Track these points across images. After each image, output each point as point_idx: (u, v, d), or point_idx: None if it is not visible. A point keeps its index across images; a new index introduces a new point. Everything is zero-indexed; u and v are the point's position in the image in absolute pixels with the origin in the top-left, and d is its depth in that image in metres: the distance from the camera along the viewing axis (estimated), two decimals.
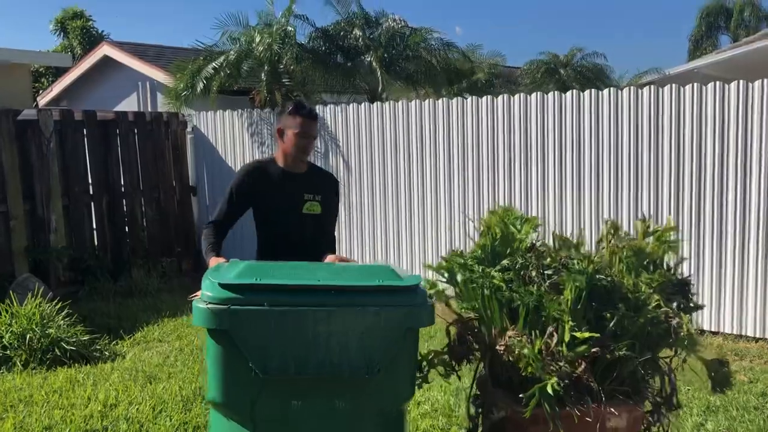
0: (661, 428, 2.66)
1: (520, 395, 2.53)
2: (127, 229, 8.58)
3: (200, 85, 8.50)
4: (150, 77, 10.92)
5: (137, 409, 4.34)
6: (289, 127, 3.25)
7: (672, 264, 2.77)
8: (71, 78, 12.33)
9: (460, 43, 9.73)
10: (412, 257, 7.47)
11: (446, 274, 2.88)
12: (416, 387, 2.95)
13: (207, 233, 3.34)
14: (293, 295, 2.35)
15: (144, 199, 8.75)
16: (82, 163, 8.16)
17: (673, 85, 5.87)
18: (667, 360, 2.64)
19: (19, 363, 5.28)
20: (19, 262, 7.53)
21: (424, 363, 2.93)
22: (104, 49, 11.97)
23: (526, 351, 2.27)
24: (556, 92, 6.47)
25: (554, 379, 2.29)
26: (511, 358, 2.38)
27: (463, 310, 2.71)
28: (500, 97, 6.77)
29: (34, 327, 5.45)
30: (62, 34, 24.42)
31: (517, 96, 6.65)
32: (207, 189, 9.14)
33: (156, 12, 64.00)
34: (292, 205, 3.32)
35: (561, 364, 2.33)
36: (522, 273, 2.61)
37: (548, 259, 2.65)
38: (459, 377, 2.97)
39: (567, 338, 2.33)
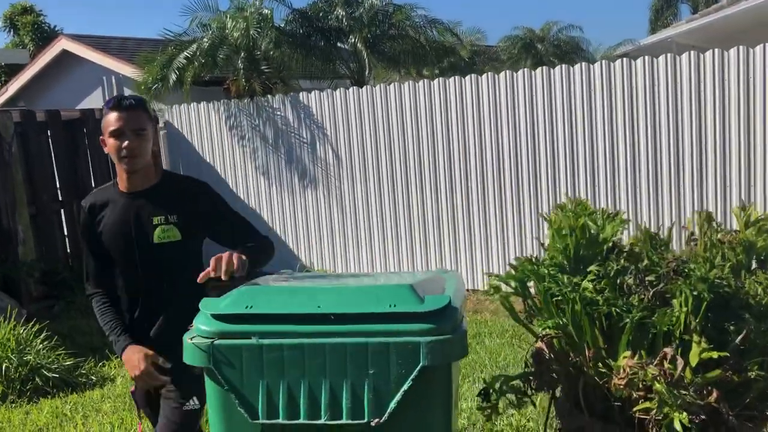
0: None
1: (622, 427, 2.13)
2: None
3: (173, 77, 7.88)
4: (114, 71, 10.21)
5: None
6: (103, 129, 2.38)
7: None
8: (28, 76, 11.49)
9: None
10: (413, 257, 7.02)
11: (515, 285, 2.44)
12: (486, 419, 2.53)
13: (100, 309, 2.51)
14: (287, 326, 1.96)
15: None
16: (48, 167, 7.52)
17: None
18: None
19: None
20: None
21: (492, 391, 2.50)
22: (62, 44, 11.18)
23: (658, 386, 1.83)
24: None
25: (684, 415, 1.86)
26: (633, 393, 1.93)
27: (545, 329, 2.26)
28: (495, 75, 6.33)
29: (10, 355, 4.90)
30: (12, 30, 23.23)
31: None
32: None
33: (112, 4, 62.02)
34: (139, 236, 2.42)
35: (688, 393, 1.90)
36: (617, 281, 2.17)
37: (645, 262, 2.22)
38: (534, 405, 2.54)
39: (695, 362, 1.90)
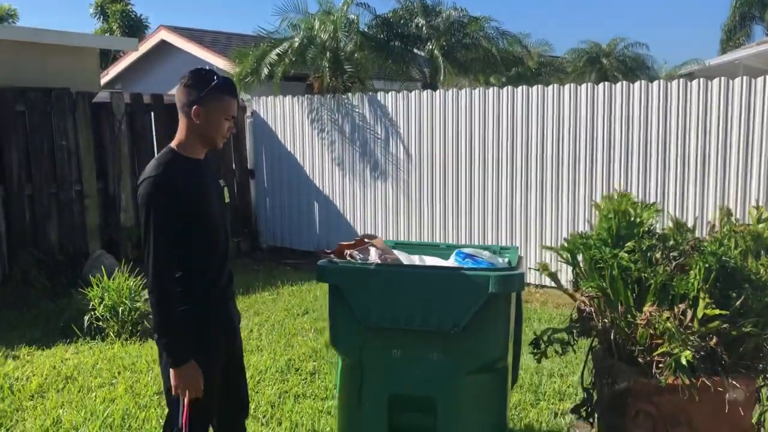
0: None
1: (642, 367, 2.75)
2: None
3: (265, 71, 8.71)
4: (207, 62, 11.14)
5: None
6: (217, 108, 2.46)
7: None
8: (128, 62, 12.60)
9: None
10: (472, 242, 7.65)
11: (566, 256, 3.08)
12: (537, 362, 3.19)
13: (175, 301, 2.39)
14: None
15: None
16: (149, 144, 8.43)
17: None
18: None
19: (112, 334, 5.56)
20: (92, 239, 7.85)
21: (541, 341, 3.16)
22: (161, 34, 12.21)
23: (669, 325, 2.45)
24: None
25: (688, 352, 2.48)
26: (651, 331, 2.56)
27: (589, 289, 2.90)
28: (543, 87, 6.91)
29: (124, 300, 5.72)
30: (102, 17, 24.73)
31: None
32: (265, 173, 9.38)
33: None
34: (222, 202, 2.62)
35: (693, 338, 2.52)
36: (648, 254, 2.79)
37: (671, 242, 2.83)
38: (575, 352, 3.19)
39: (701, 314, 2.52)
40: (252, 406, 4.05)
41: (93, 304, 5.73)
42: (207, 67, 2.67)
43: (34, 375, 4.73)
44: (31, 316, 6.26)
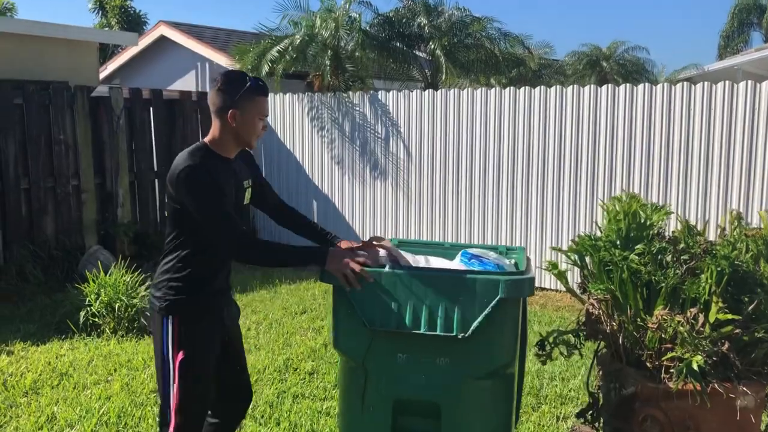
0: None
1: (651, 371, 2.70)
2: None
3: (265, 68, 8.65)
4: (207, 58, 11.07)
5: None
6: (251, 109, 2.53)
7: None
8: (126, 57, 12.52)
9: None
10: (472, 242, 7.60)
11: (574, 257, 3.03)
12: (542, 363, 3.14)
13: (259, 241, 2.70)
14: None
15: None
16: (148, 140, 8.35)
17: None
18: None
19: (108, 330, 5.49)
20: (88, 234, 7.78)
21: (547, 342, 3.11)
22: (161, 30, 12.15)
23: (681, 329, 2.40)
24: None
25: (699, 357, 2.43)
26: (661, 335, 2.51)
27: (597, 292, 2.84)
28: (540, 89, 6.87)
29: (121, 297, 5.65)
30: (100, 12, 24.62)
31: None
32: (264, 170, 9.30)
33: None
34: (238, 198, 2.67)
35: (705, 342, 2.47)
36: (658, 257, 2.74)
37: (682, 245, 2.78)
38: (581, 355, 3.14)
39: (713, 319, 2.47)
40: (250, 405, 4.00)
41: (89, 300, 5.66)
42: (235, 69, 2.72)
43: (28, 371, 4.66)
44: (26, 311, 6.19)
